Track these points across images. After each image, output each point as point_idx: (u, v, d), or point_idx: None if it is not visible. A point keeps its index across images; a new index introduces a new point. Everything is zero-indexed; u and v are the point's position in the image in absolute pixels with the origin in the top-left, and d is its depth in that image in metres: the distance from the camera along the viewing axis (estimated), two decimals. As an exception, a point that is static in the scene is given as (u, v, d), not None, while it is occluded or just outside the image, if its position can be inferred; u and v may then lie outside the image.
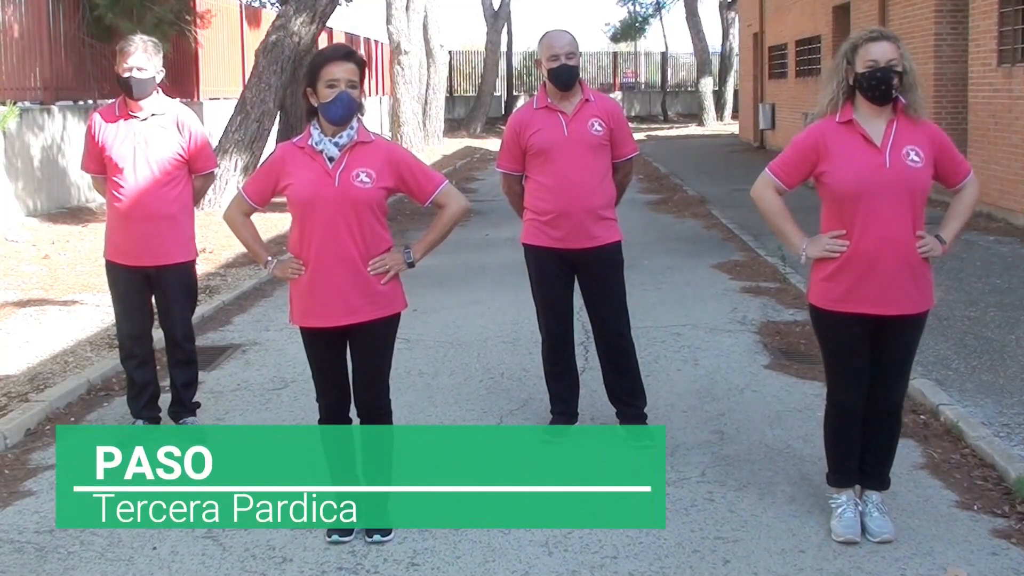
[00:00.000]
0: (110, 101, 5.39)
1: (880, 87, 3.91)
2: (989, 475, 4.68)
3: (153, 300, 5.43)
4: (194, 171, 5.40)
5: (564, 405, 5.37)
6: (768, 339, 7.19)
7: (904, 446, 5.06)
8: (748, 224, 12.27)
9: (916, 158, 3.93)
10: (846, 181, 3.93)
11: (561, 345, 5.34)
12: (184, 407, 5.49)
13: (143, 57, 5.14)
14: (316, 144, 4.01)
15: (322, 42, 20.64)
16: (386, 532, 4.17)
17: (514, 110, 5.52)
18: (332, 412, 4.22)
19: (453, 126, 34.00)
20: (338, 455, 4.23)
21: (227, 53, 19.35)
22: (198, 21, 16.58)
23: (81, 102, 14.38)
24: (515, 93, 40.40)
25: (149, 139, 5.20)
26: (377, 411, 4.20)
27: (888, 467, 4.24)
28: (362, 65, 4.02)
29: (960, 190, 4.11)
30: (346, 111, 3.96)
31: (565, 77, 5.08)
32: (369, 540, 4.13)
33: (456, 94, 39.82)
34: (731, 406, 5.79)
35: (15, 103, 12.26)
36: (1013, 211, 11.50)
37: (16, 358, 6.91)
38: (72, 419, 5.79)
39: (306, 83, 4.01)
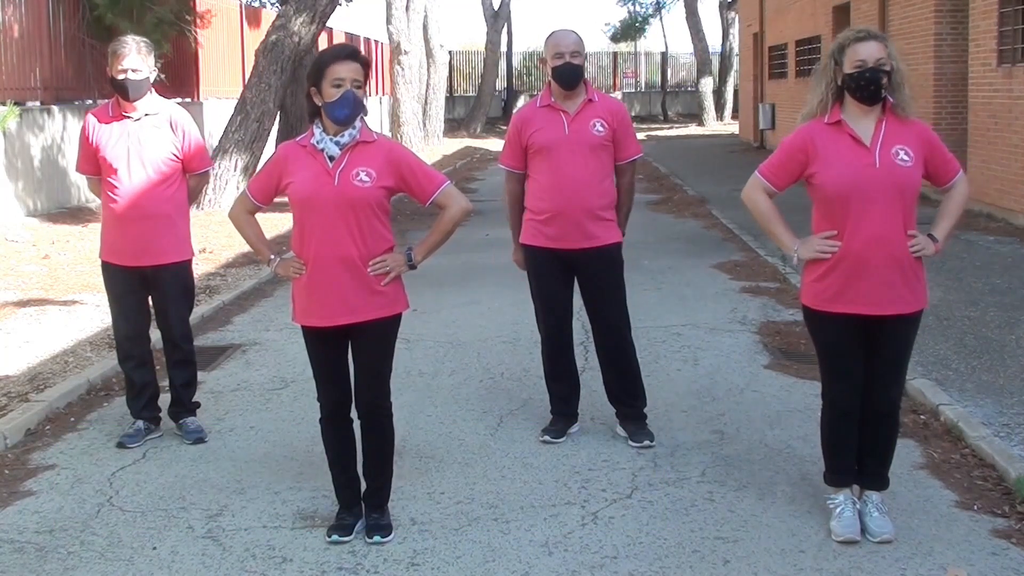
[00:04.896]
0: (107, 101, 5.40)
1: (869, 87, 3.91)
2: (989, 475, 4.67)
3: (150, 300, 5.43)
4: (189, 170, 5.39)
5: (564, 405, 5.37)
6: (768, 339, 7.19)
7: (904, 446, 5.06)
8: (748, 224, 12.25)
9: (905, 157, 3.92)
10: (835, 182, 3.93)
11: (560, 346, 5.34)
12: (184, 407, 5.49)
13: (137, 59, 5.14)
14: (317, 143, 4.00)
15: (322, 42, 20.63)
16: (386, 532, 4.17)
17: (516, 108, 5.53)
18: (333, 410, 4.21)
19: (453, 126, 33.99)
20: (338, 454, 4.24)
21: (227, 53, 19.34)
22: (198, 21, 16.59)
23: (81, 102, 14.38)
24: (515, 93, 40.37)
25: (143, 139, 5.20)
26: (378, 411, 4.19)
27: (887, 467, 4.24)
28: (367, 65, 4.02)
29: (950, 188, 4.11)
30: (352, 110, 3.95)
31: (569, 76, 5.08)
32: (369, 541, 4.13)
33: (456, 94, 39.80)
34: (731, 406, 5.79)
35: (15, 103, 12.27)
36: (1013, 211, 11.49)
37: (16, 358, 6.91)
38: (72, 419, 5.78)
39: (310, 82, 3.99)
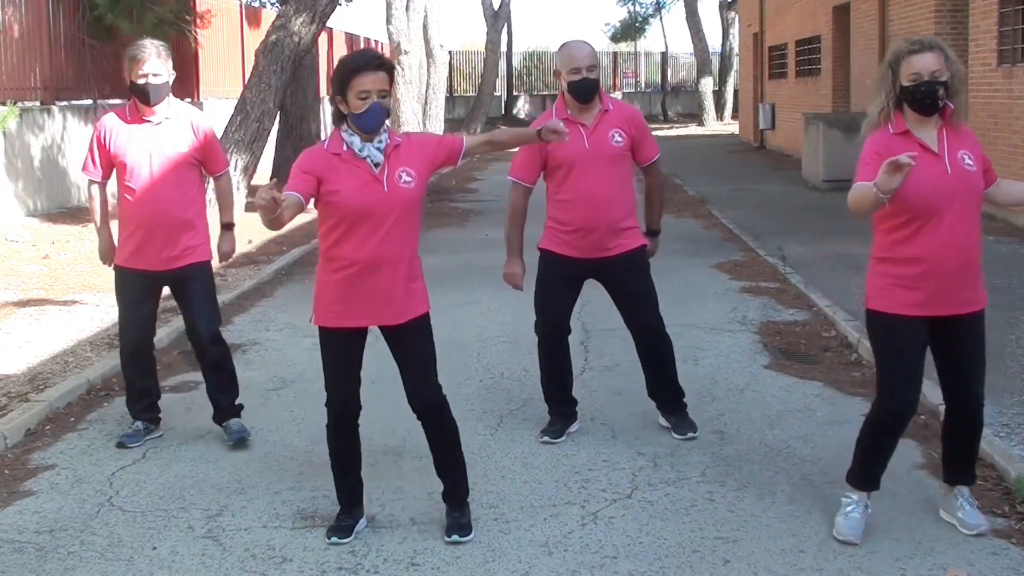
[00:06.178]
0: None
1: (925, 101, 3.93)
2: (989, 475, 4.67)
3: (177, 306, 5.38)
4: (211, 172, 5.39)
5: (560, 406, 5.37)
6: (768, 339, 7.19)
7: (904, 446, 5.05)
8: (748, 224, 12.26)
9: (970, 162, 3.99)
10: (915, 191, 3.91)
11: (554, 349, 5.33)
12: (222, 411, 5.39)
13: (157, 63, 5.12)
14: (359, 151, 3.98)
15: (322, 42, 20.60)
16: (466, 532, 4.17)
17: (533, 121, 5.46)
18: (344, 412, 4.18)
19: (453, 126, 33.96)
20: (346, 457, 4.23)
21: (227, 53, 19.35)
22: (198, 21, 16.59)
23: (81, 102, 14.37)
24: (515, 93, 40.36)
25: (164, 143, 5.17)
26: (442, 405, 4.21)
27: (975, 463, 4.26)
28: (391, 70, 4.00)
29: (1001, 185, 4.19)
30: (378, 122, 3.96)
31: (587, 91, 5.07)
32: (448, 540, 4.13)
33: (456, 94, 39.80)
34: (731, 406, 5.79)
35: (15, 103, 12.26)
36: (1013, 211, 11.49)
37: (16, 358, 6.91)
38: (72, 419, 5.78)
39: (335, 91, 3.97)
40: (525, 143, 4.41)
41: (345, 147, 4.00)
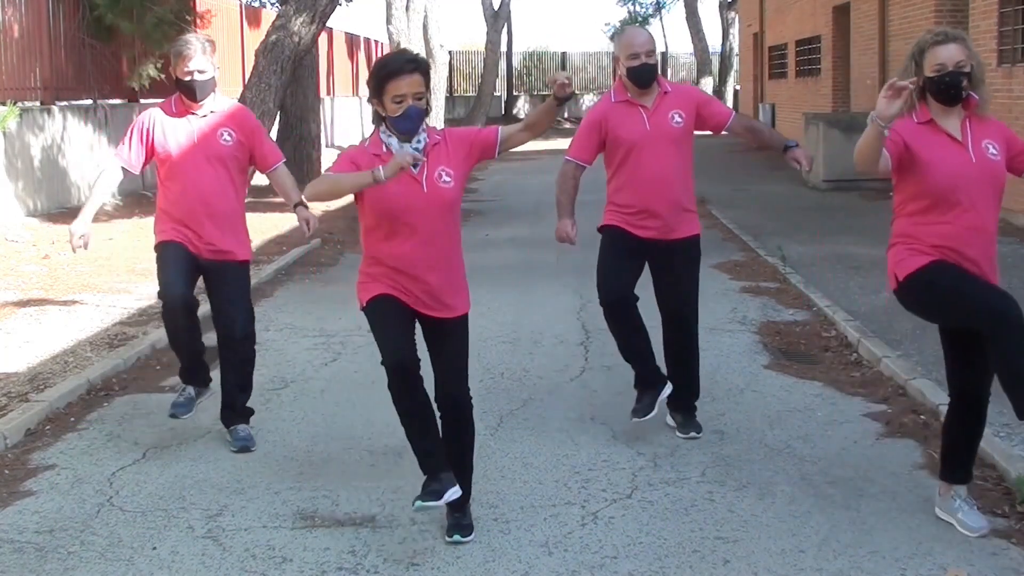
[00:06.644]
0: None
1: (949, 91, 3.96)
2: (989, 475, 4.67)
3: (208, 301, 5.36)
4: (266, 167, 5.33)
5: (644, 368, 5.25)
6: (768, 339, 7.19)
7: (904, 446, 5.07)
8: (748, 224, 12.25)
9: (994, 152, 4.04)
10: (941, 180, 3.97)
11: (620, 311, 5.22)
12: (236, 412, 5.35)
13: (203, 59, 5.09)
14: (397, 152, 3.96)
15: (322, 42, 20.56)
16: (467, 532, 4.15)
17: (593, 103, 5.43)
18: (406, 363, 3.98)
19: (453, 126, 34.01)
20: (420, 415, 4.08)
21: (227, 53, 19.34)
22: (198, 21, 16.58)
23: (81, 102, 14.37)
24: (515, 93, 40.39)
25: (210, 136, 5.15)
26: (466, 403, 4.21)
27: (973, 461, 4.31)
28: (427, 71, 3.97)
29: None
30: (414, 125, 3.95)
31: (646, 76, 5.08)
32: (448, 540, 4.12)
33: (456, 94, 39.83)
34: (731, 406, 5.79)
35: (15, 103, 12.26)
36: (1013, 211, 11.49)
37: (16, 358, 6.91)
38: (72, 419, 5.78)
39: (371, 94, 3.97)
40: (550, 113, 4.36)
41: (384, 148, 4.00)
